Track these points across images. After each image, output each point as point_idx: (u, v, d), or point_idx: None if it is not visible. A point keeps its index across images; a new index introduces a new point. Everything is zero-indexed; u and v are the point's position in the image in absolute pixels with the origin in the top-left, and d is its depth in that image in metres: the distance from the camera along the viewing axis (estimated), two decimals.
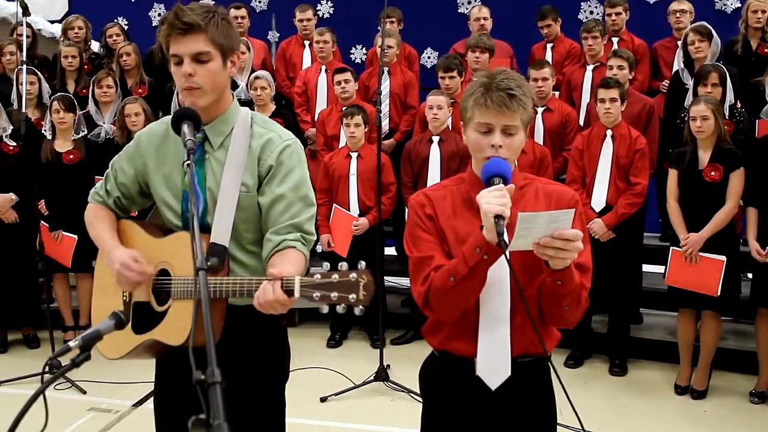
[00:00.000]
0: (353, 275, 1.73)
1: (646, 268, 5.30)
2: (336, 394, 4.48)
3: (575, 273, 1.84)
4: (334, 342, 5.49)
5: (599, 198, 4.81)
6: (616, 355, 4.97)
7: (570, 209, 1.74)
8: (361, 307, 1.75)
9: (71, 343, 1.69)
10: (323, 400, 4.45)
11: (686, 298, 4.49)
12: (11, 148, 5.22)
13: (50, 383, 1.60)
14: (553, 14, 6.15)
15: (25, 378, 4.60)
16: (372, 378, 4.63)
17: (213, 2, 7.64)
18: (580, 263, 1.91)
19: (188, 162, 1.82)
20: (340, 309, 1.76)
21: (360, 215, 5.29)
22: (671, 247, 4.54)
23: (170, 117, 2.13)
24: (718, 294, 4.30)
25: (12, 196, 5.16)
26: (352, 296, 1.73)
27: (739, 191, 4.37)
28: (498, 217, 1.71)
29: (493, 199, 1.74)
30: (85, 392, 4.55)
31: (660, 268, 4.89)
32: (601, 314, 5.18)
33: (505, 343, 1.95)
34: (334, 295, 1.73)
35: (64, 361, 1.62)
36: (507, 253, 1.74)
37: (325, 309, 1.77)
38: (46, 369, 1.73)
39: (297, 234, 2.06)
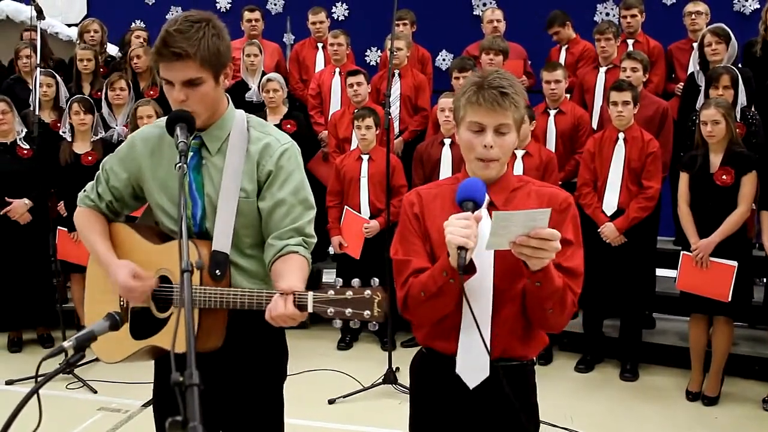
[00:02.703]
0: (368, 292, 1.79)
1: (659, 272, 5.25)
2: (344, 397, 4.50)
3: (555, 275, 1.84)
4: (344, 344, 5.50)
5: (611, 201, 4.77)
6: (627, 360, 4.93)
7: (547, 208, 1.74)
8: (375, 322, 1.81)
9: (65, 344, 1.73)
10: (331, 402, 4.46)
11: (698, 304, 4.44)
12: (25, 151, 5.30)
13: (43, 384, 1.62)
14: (559, 20, 6.12)
15: (28, 378, 4.63)
16: (380, 381, 4.63)
17: (230, 3, 7.78)
18: (570, 268, 1.91)
19: (180, 164, 1.81)
20: (353, 324, 1.84)
21: (371, 218, 5.29)
22: (682, 252, 4.50)
23: (165, 120, 2.12)
24: (729, 300, 4.25)
25: (26, 201, 5.25)
26: (366, 312, 1.79)
27: (751, 195, 4.32)
28: (461, 248, 1.73)
29: (458, 230, 1.75)
30: (96, 392, 4.61)
31: (674, 273, 4.84)
32: (612, 319, 5.14)
33: (484, 345, 1.95)
34: (348, 311, 1.79)
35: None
36: (482, 254, 1.80)
37: (339, 324, 1.85)
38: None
39: (299, 238, 2.07)
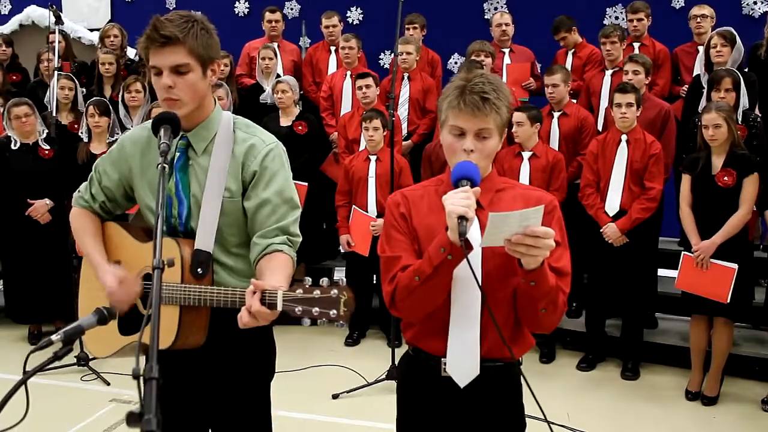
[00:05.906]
0: (334, 291, 1.76)
1: (662, 272, 5.29)
2: (348, 392, 4.59)
3: (550, 275, 1.84)
4: (351, 340, 5.61)
5: (613, 202, 4.82)
6: (628, 359, 4.98)
7: (539, 206, 1.73)
8: (341, 322, 1.78)
9: (53, 337, 1.77)
10: (335, 397, 4.54)
11: (699, 304, 4.47)
12: (47, 151, 5.49)
13: (29, 377, 1.69)
14: (565, 26, 6.14)
15: (41, 370, 4.79)
16: (383, 377, 4.73)
17: (248, 8, 7.91)
18: (558, 267, 1.91)
19: (161, 164, 1.85)
20: (320, 323, 1.80)
21: (378, 216, 5.40)
22: (683, 252, 4.54)
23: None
24: (728, 301, 4.29)
25: (47, 201, 5.44)
26: (332, 312, 1.76)
27: (752, 197, 4.34)
28: (461, 218, 1.72)
29: (458, 200, 1.75)
30: (108, 384, 4.76)
31: (676, 273, 4.87)
32: (615, 318, 5.19)
33: (474, 343, 1.95)
34: (315, 310, 1.76)
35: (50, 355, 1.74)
36: (469, 255, 1.74)
37: (308, 323, 1.80)
38: (45, 361, 1.79)
39: (283, 237, 2.10)
